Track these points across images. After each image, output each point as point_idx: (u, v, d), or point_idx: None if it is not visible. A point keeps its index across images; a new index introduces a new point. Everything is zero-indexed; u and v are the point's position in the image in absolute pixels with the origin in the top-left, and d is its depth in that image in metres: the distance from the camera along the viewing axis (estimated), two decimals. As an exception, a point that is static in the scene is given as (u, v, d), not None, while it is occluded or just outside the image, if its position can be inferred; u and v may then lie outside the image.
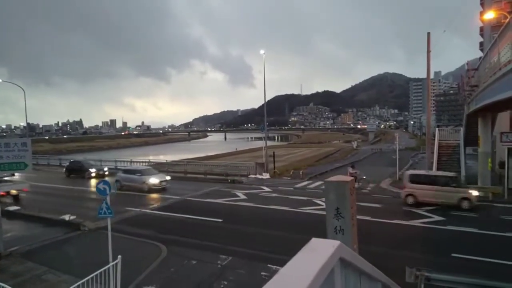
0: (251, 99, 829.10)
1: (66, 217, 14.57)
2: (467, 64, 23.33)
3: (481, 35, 45.99)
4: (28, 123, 44.42)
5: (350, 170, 23.67)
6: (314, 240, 1.75)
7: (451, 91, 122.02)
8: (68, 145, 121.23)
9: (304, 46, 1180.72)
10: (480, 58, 22.27)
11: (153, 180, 22.36)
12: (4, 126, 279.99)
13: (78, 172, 30.21)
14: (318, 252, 1.58)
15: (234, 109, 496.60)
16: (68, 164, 32.98)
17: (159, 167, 33.32)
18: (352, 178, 6.05)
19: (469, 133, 25.01)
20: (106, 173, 30.39)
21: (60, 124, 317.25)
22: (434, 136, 27.98)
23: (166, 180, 23.11)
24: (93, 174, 29.51)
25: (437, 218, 14.73)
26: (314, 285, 1.32)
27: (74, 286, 6.36)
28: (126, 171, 24.01)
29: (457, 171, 23.00)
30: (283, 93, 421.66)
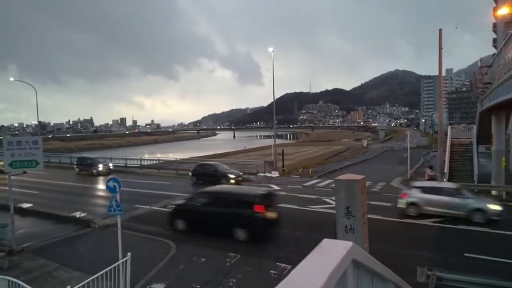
0: (259, 97, 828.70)
1: (77, 214, 14.73)
2: (480, 61, 22.90)
3: (494, 31, 45.06)
4: (39, 122, 45.03)
5: (429, 172, 21.53)
6: (325, 241, 1.69)
7: (464, 89, 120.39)
8: (78, 143, 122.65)
9: (312, 44, 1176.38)
10: (493, 54, 21.85)
11: (490, 206, 13.90)
12: (16, 125, 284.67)
13: (210, 177, 23.92)
14: (330, 254, 1.52)
15: (243, 107, 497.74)
16: (195, 167, 26.74)
17: (168, 165, 33.51)
18: (363, 176, 5.95)
19: (482, 131, 24.57)
20: (240, 179, 24.71)
21: (71, 123, 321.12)
22: (446, 134, 27.58)
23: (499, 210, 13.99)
24: (232, 181, 23.75)
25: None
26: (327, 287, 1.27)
27: (84, 282, 6.40)
28: (429, 190, 15.14)
29: (469, 169, 22.66)
30: (291, 91, 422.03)
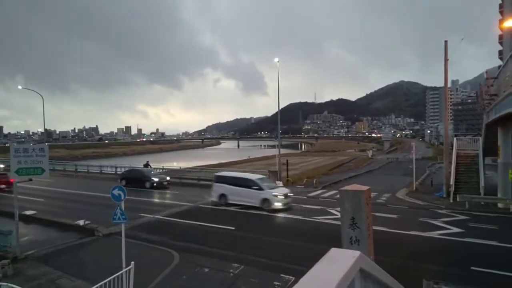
0: (264, 106, 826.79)
1: (81, 222, 14.73)
2: (486, 72, 22.88)
3: (500, 43, 45.04)
4: (45, 129, 45.37)
5: None
6: (333, 250, 1.68)
7: (469, 100, 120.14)
8: (84, 151, 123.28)
9: (317, 54, 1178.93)
10: (499, 66, 21.81)
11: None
12: (22, 132, 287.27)
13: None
14: (338, 263, 1.50)
15: (247, 116, 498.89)
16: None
17: (173, 174, 33.48)
18: (369, 187, 5.90)
19: (488, 143, 24.40)
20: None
21: (76, 131, 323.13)
22: (452, 146, 27.42)
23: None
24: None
25: (455, 230, 14.32)
26: (335, 297, 1.25)
27: (87, 291, 6.38)
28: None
29: (476, 181, 22.45)
30: (296, 100, 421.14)
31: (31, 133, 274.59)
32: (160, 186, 26.69)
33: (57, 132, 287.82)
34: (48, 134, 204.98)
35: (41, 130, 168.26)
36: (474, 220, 16.24)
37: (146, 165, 32.02)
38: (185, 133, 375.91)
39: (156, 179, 26.80)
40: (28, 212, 16.76)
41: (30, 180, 12.27)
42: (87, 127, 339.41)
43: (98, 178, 34.91)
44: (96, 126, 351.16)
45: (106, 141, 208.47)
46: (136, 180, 26.83)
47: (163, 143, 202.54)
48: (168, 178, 28.27)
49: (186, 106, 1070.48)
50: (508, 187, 20.30)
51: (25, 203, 19.22)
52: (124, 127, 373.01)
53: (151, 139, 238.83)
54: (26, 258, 11.27)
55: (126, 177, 28.33)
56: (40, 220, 16.20)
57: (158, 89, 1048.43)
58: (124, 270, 7.49)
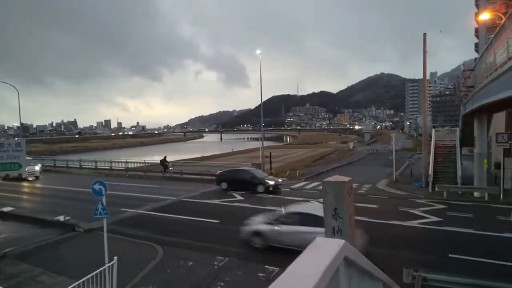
0: (246, 99, 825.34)
1: (61, 218, 14.44)
2: (463, 64, 23.47)
3: (476, 36, 46.21)
4: (21, 124, 43.95)
5: None
6: (319, 239, 1.70)
7: (447, 92, 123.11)
8: (62, 145, 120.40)
9: (299, 47, 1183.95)
10: (475, 59, 22.39)
11: None
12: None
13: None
14: (323, 251, 1.53)
15: (230, 109, 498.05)
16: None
17: (155, 168, 33.13)
18: (351, 178, 5.99)
19: (465, 134, 25.10)
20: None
21: (54, 125, 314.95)
22: (430, 137, 28.08)
23: None
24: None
25: (434, 218, 14.75)
26: (321, 284, 1.28)
27: (69, 287, 6.28)
28: None
29: (453, 171, 23.12)
30: (279, 93, 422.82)
31: (6, 128, 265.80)
32: (275, 190, 21.77)
33: (34, 126, 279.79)
34: (24, 128, 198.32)
35: (17, 124, 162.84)
36: (451, 209, 16.76)
37: (164, 160, 30.96)
38: (167, 126, 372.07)
39: (271, 182, 21.81)
40: (6, 209, 16.32)
41: (7, 175, 11.89)
42: (65, 121, 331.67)
43: (78, 173, 34.23)
44: (75, 119, 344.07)
45: (77, 136, 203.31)
46: (242, 183, 21.80)
47: (144, 136, 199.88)
48: (280, 180, 23.58)
49: (167, 99, 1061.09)
50: (483, 176, 21.01)
51: (2, 199, 18.70)
52: (103, 121, 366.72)
53: (130, 133, 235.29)
54: (4, 256, 10.98)
55: (228, 178, 22.68)
56: (18, 216, 15.79)
57: (137, 81, 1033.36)
58: (106, 265, 7.40)
